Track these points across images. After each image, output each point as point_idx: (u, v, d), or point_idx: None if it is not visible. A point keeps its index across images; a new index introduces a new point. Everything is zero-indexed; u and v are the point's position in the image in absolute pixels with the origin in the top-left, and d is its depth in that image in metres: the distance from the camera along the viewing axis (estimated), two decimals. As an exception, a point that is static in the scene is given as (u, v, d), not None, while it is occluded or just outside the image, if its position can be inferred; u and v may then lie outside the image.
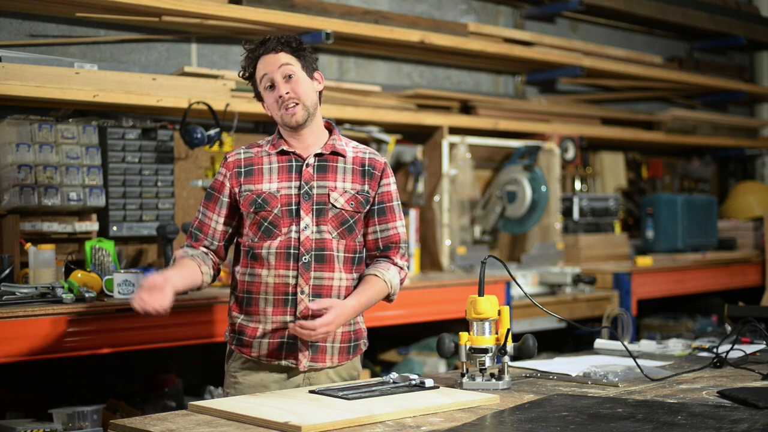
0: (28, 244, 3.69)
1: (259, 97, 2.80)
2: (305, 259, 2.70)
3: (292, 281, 2.70)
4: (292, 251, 2.71)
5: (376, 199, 2.81)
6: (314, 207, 2.72)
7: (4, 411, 3.77)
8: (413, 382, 2.41)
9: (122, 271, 3.63)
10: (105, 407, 3.84)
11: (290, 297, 2.71)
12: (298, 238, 2.71)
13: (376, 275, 2.77)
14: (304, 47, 2.77)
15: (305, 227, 2.71)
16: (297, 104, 2.71)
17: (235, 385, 2.74)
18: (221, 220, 2.79)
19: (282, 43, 2.73)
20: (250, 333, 2.73)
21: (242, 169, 2.76)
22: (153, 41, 4.55)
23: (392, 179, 2.85)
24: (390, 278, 2.79)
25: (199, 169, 4.50)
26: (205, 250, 2.80)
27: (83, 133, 4.04)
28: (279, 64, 2.71)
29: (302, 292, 2.70)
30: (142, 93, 4.09)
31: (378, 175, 2.81)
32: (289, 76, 2.71)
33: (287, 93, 2.69)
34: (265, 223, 2.71)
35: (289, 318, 2.70)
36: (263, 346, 2.72)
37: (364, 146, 2.88)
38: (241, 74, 2.82)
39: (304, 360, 2.73)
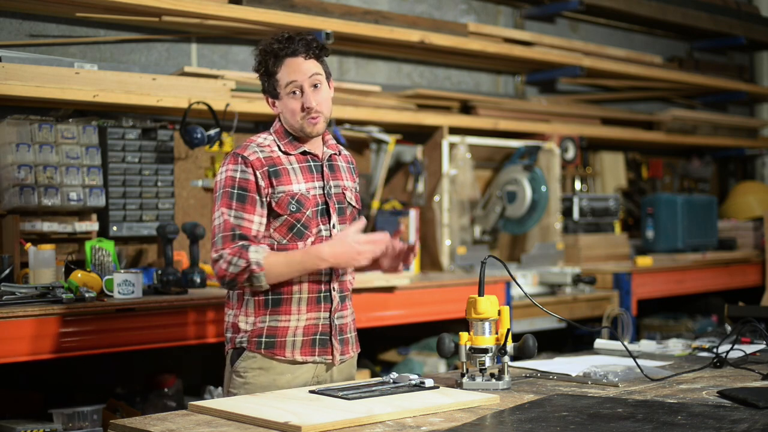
0: (28, 244, 3.70)
1: (271, 95, 2.75)
2: None
3: (325, 279, 2.73)
4: None
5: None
6: (337, 206, 2.78)
7: (4, 411, 3.77)
8: (413, 382, 2.41)
9: (122, 271, 3.63)
10: (105, 407, 3.85)
11: (323, 294, 2.74)
12: (330, 237, 2.73)
13: None
14: (327, 53, 2.78)
15: (333, 226, 2.75)
16: (320, 115, 2.71)
17: (245, 386, 2.72)
18: (263, 221, 2.69)
19: (309, 47, 2.70)
20: (281, 333, 2.71)
21: (270, 169, 2.69)
22: (153, 41, 4.55)
23: None
24: None
25: (199, 169, 4.50)
26: None
27: (83, 133, 4.04)
28: (310, 72, 2.70)
29: (334, 289, 2.75)
30: (142, 93, 4.09)
31: (356, 171, 2.94)
32: (316, 86, 2.71)
33: (316, 104, 2.69)
34: (298, 225, 2.70)
35: (323, 314, 2.74)
36: (297, 345, 2.71)
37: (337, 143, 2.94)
38: (257, 69, 2.75)
39: (338, 354, 2.76)
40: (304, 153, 2.76)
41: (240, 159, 2.69)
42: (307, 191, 2.72)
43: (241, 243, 2.64)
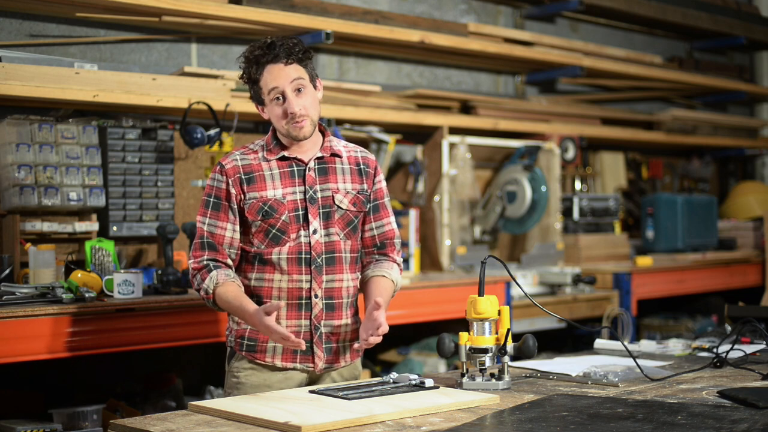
0: (28, 244, 3.70)
1: (258, 101, 2.77)
2: (318, 262, 2.71)
3: (305, 285, 2.71)
4: (303, 256, 2.70)
5: (371, 196, 2.84)
6: (321, 210, 2.73)
7: (4, 411, 3.77)
8: (413, 382, 2.41)
9: (122, 271, 3.63)
10: (105, 407, 3.85)
11: (304, 301, 2.71)
12: (309, 243, 2.70)
13: (384, 276, 2.81)
14: (310, 55, 2.75)
15: (314, 231, 2.71)
16: (305, 119, 2.69)
17: (238, 386, 2.73)
18: (237, 228, 2.72)
19: (291, 52, 2.69)
20: (262, 338, 2.71)
21: (243, 176, 2.71)
22: (153, 41, 4.56)
23: (382, 176, 2.91)
24: (395, 277, 2.85)
25: (199, 169, 4.50)
26: (231, 264, 2.74)
27: (83, 133, 4.04)
28: (291, 78, 2.68)
29: (316, 296, 2.71)
30: (142, 93, 4.09)
31: (372, 173, 2.85)
32: (299, 90, 2.69)
33: (300, 109, 2.68)
34: (273, 230, 2.69)
35: (304, 322, 2.71)
36: (278, 351, 2.71)
37: (353, 145, 2.90)
38: (242, 77, 2.77)
39: (320, 363, 2.74)
40: (285, 158, 2.73)
41: (218, 168, 2.75)
42: (283, 196, 2.70)
43: (209, 258, 2.70)
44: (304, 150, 2.76)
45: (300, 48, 2.72)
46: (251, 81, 2.74)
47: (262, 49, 2.70)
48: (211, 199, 2.73)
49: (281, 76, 2.68)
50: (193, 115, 4.24)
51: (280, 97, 2.69)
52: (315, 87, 2.76)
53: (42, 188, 3.86)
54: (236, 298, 2.64)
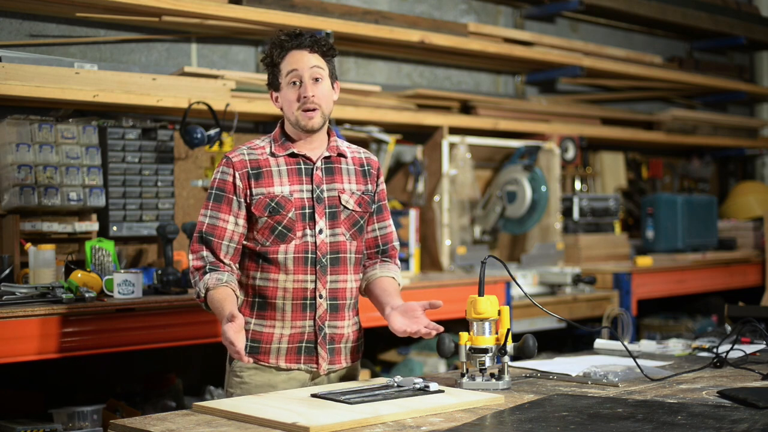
0: (28, 244, 3.69)
1: (274, 87, 2.76)
2: (323, 262, 2.70)
3: (310, 285, 2.70)
4: (309, 255, 2.69)
5: (375, 197, 2.85)
6: (327, 210, 2.72)
7: (4, 411, 3.77)
8: (417, 386, 2.38)
9: (122, 271, 3.63)
10: (105, 407, 3.85)
11: (309, 301, 2.71)
12: (315, 242, 2.69)
13: (393, 278, 2.87)
14: (334, 53, 2.78)
15: (320, 231, 2.70)
16: (316, 110, 2.69)
17: (242, 385, 2.72)
18: (240, 221, 2.70)
19: (316, 43, 2.72)
20: (266, 339, 2.71)
21: (251, 171, 2.70)
22: (153, 41, 4.56)
23: (383, 178, 2.92)
24: (400, 280, 2.91)
25: (199, 169, 4.51)
26: (228, 266, 2.71)
27: (83, 133, 4.04)
28: (311, 64, 2.70)
29: (320, 296, 2.71)
30: (142, 93, 4.09)
31: (375, 174, 2.87)
32: (317, 80, 2.70)
33: (313, 95, 2.68)
34: (279, 227, 2.68)
35: (308, 322, 2.71)
36: (281, 352, 2.70)
37: (356, 146, 2.91)
38: (264, 59, 2.78)
39: (324, 363, 2.73)
40: (294, 155, 2.73)
41: (225, 161, 2.73)
42: (290, 194, 2.69)
43: (206, 256, 2.68)
44: (312, 147, 2.75)
45: (326, 43, 2.75)
46: (272, 64, 2.74)
47: (290, 36, 2.73)
48: (214, 191, 2.71)
49: (302, 61, 2.70)
50: (193, 115, 4.24)
51: (297, 82, 2.69)
52: (332, 85, 2.77)
53: (42, 188, 3.86)
54: (220, 302, 2.59)
